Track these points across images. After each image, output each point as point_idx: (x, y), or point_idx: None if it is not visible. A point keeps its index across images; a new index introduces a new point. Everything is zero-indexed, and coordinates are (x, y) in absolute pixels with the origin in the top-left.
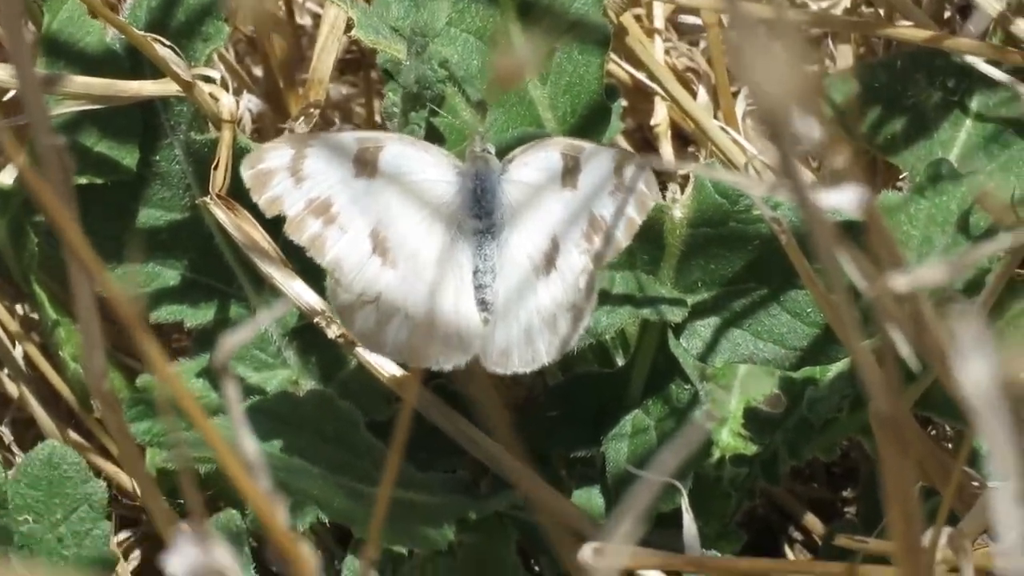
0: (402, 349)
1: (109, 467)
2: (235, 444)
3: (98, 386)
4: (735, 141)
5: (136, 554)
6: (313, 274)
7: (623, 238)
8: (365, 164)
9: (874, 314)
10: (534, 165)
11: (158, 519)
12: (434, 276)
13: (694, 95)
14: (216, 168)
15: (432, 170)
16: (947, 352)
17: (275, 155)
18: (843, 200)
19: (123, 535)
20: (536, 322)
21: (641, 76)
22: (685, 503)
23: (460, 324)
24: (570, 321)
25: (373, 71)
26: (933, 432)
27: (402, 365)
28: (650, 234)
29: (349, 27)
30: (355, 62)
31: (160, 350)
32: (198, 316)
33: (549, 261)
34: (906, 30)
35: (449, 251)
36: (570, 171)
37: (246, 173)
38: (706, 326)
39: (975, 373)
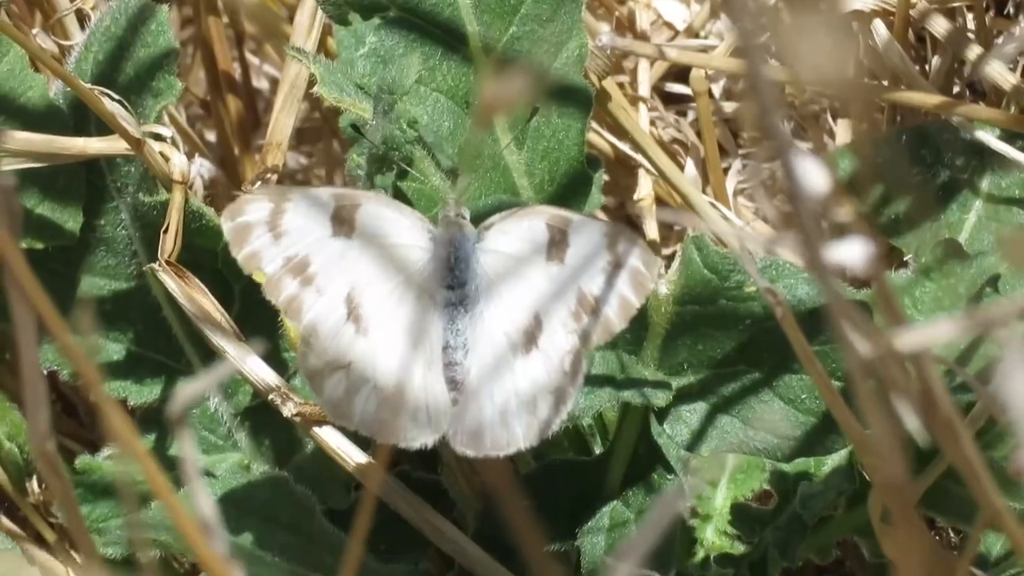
0: (370, 422)
1: (43, 556)
2: (191, 504)
3: (41, 448)
4: (725, 218)
5: None
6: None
7: (617, 320)
8: (342, 222)
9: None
10: (515, 234)
11: None
12: (402, 350)
13: (681, 168)
14: (166, 232)
15: (407, 234)
16: (959, 428)
17: (254, 208)
18: (849, 254)
19: None
20: (513, 404)
21: (624, 147)
22: None
23: (428, 401)
24: (552, 404)
25: (335, 140)
26: (937, 537)
27: (364, 447)
28: None
29: (310, 86)
30: (314, 131)
31: (124, 418)
32: (143, 393)
33: (530, 339)
34: (915, 95)
35: (419, 323)
36: (556, 244)
37: (226, 226)
38: (692, 411)
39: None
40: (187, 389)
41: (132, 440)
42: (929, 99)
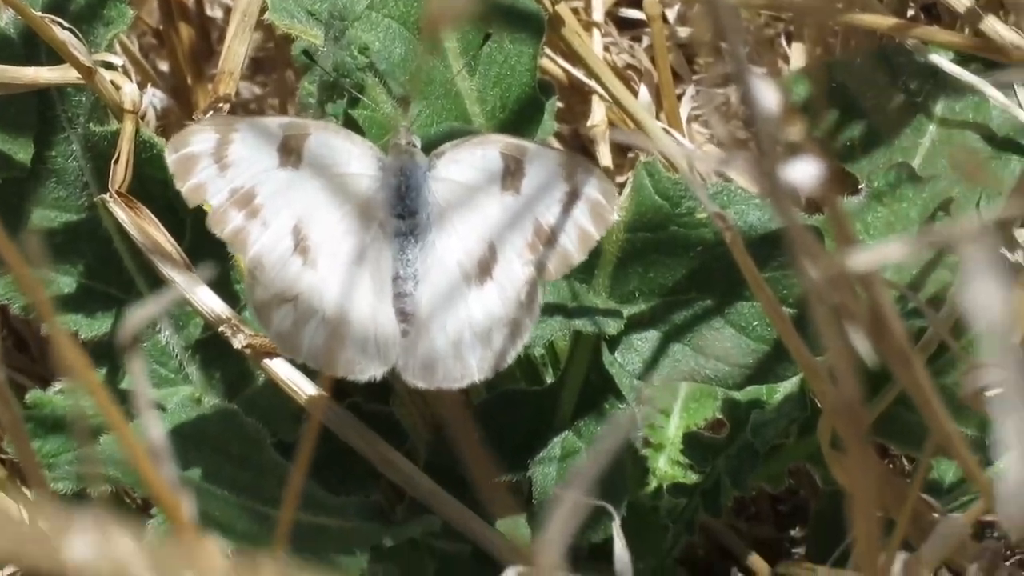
0: (318, 354)
1: None
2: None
3: None
4: (678, 143)
5: None
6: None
7: (575, 252)
8: (290, 153)
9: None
10: (468, 163)
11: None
12: (350, 280)
13: (635, 94)
14: (116, 163)
15: (356, 163)
16: (910, 353)
17: (200, 138)
18: (801, 175)
19: (7, 571)
20: (467, 335)
21: (577, 73)
22: (617, 527)
23: (378, 332)
24: (507, 336)
25: (288, 70)
26: (889, 465)
27: (315, 379)
28: None
29: (263, 14)
30: (268, 60)
31: (77, 350)
32: (94, 327)
33: (484, 270)
34: (870, 17)
35: (368, 253)
36: (512, 173)
37: (170, 157)
38: (644, 340)
39: (984, 298)
40: (136, 315)
41: (85, 372)
42: (884, 21)
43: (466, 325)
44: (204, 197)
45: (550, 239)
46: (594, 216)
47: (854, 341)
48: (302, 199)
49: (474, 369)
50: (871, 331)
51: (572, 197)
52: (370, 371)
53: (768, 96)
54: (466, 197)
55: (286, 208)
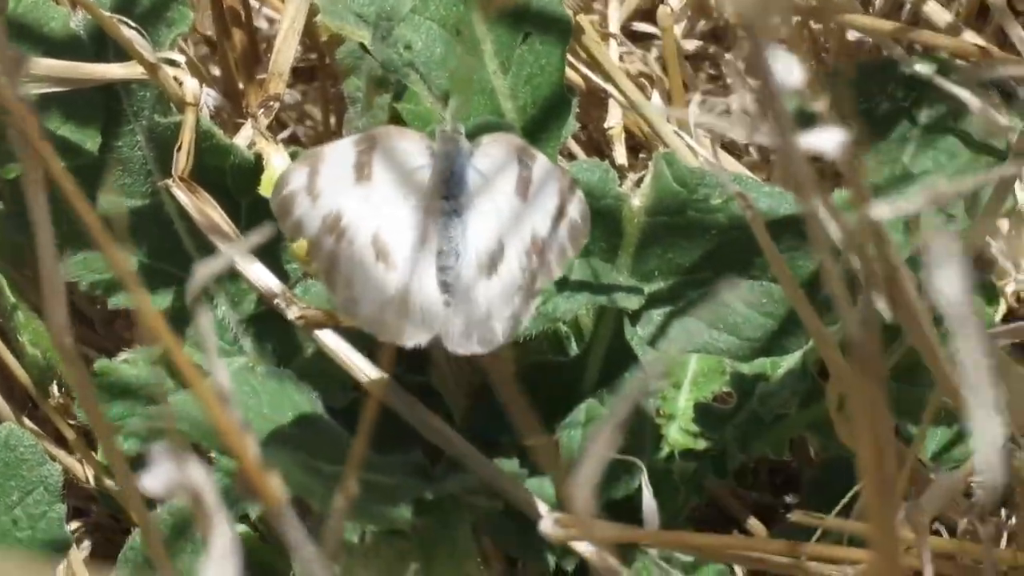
0: (373, 321)
1: (63, 455)
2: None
3: (60, 341)
4: (689, 146)
5: (87, 543)
6: (272, 255)
7: (556, 268)
8: (363, 167)
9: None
10: (495, 158)
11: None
12: (406, 257)
13: (648, 99)
14: (179, 150)
15: (414, 158)
16: (919, 309)
17: (295, 176)
18: (823, 141)
19: (74, 524)
20: (494, 305)
21: (596, 78)
22: (645, 478)
23: (423, 302)
24: (521, 305)
25: (328, 80)
26: None
27: (360, 350)
28: (608, 222)
29: (307, 25)
30: (308, 70)
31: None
32: (155, 302)
33: (494, 261)
34: (871, 20)
35: (421, 233)
36: (524, 180)
37: (274, 202)
38: (662, 315)
39: (947, 283)
40: (203, 270)
41: (165, 334)
42: (884, 25)
43: (493, 296)
44: (302, 232)
45: (540, 251)
46: (572, 236)
47: (869, 300)
48: (376, 207)
49: (499, 333)
50: (885, 289)
51: (560, 213)
52: (416, 338)
53: (788, 67)
54: (492, 190)
55: (365, 221)
